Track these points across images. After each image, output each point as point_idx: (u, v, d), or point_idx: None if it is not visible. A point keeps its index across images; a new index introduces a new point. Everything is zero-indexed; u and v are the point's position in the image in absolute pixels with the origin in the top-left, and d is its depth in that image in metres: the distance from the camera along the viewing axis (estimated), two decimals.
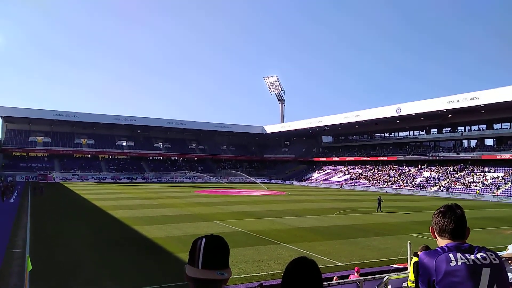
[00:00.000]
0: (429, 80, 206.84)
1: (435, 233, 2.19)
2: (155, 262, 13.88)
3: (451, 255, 1.98)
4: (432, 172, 62.86)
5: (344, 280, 10.38)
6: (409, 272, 9.12)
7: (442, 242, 2.14)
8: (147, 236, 18.36)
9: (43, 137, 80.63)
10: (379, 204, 31.26)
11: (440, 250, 2.05)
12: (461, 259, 1.96)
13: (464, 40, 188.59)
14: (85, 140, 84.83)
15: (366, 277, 10.49)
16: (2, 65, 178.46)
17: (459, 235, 2.11)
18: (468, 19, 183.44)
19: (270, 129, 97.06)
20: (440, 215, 2.17)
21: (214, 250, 1.53)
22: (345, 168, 79.95)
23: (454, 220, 2.11)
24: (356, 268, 10.97)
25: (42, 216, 24.99)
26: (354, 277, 10.48)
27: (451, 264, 1.94)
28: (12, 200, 34.74)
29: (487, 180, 53.51)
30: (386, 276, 10.05)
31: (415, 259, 8.52)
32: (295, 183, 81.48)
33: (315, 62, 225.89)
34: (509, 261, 4.17)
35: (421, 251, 8.62)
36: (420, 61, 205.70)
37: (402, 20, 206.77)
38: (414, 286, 7.84)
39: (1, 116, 75.04)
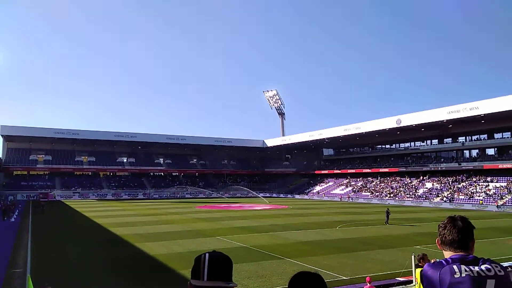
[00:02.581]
0: (429, 91, 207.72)
1: (439, 244, 2.21)
2: (158, 279, 13.74)
3: (455, 266, 1.97)
4: (434, 183, 62.62)
5: None
6: (415, 285, 9.02)
7: (446, 254, 2.14)
8: (149, 253, 18.21)
9: (44, 155, 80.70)
10: (387, 216, 30.94)
11: (444, 262, 2.04)
12: (465, 271, 1.95)
13: (463, 50, 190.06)
14: (86, 157, 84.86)
15: None
16: (2, 84, 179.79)
17: (462, 247, 2.10)
18: (464, 32, 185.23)
19: (270, 142, 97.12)
20: (442, 226, 2.19)
21: (218, 263, 1.55)
22: (347, 180, 79.73)
23: (454, 231, 2.12)
24: (367, 279, 10.87)
25: (43, 235, 24.83)
26: (367, 287, 10.40)
27: (455, 276, 1.93)
28: (13, 220, 34.59)
29: (489, 190, 53.26)
30: None
31: (419, 269, 8.43)
32: (297, 196, 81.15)
33: (315, 76, 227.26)
34: None
35: (418, 260, 8.57)
36: (420, 71, 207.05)
37: (400, 33, 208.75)
38: None
39: (2, 135, 75.23)
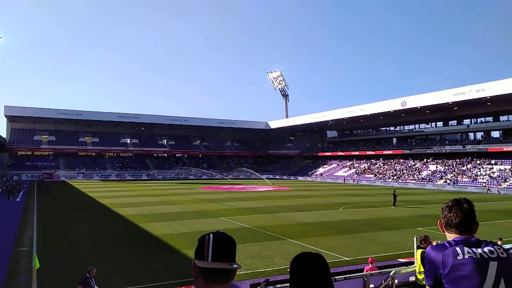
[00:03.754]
0: (434, 74, 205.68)
1: (443, 227, 2.20)
2: (162, 259, 13.91)
3: (458, 249, 1.98)
4: (438, 166, 62.54)
5: (351, 275, 10.33)
6: (415, 266, 9.06)
7: (449, 236, 2.15)
8: (153, 233, 18.41)
9: (47, 136, 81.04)
10: (395, 198, 31.01)
11: (447, 244, 2.05)
12: (468, 253, 1.96)
13: (468, 35, 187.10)
14: (90, 138, 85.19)
15: (372, 272, 10.45)
16: (6, 64, 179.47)
17: (466, 229, 2.11)
18: (470, 15, 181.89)
19: (274, 124, 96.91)
20: (447, 209, 2.18)
21: (223, 244, 1.54)
22: (351, 162, 79.74)
23: (460, 214, 2.12)
24: (370, 259, 10.92)
25: (48, 215, 25.13)
26: (368, 268, 10.45)
27: (458, 258, 1.95)
28: (18, 199, 34.97)
29: (493, 172, 53.17)
30: (392, 270, 9.99)
31: (420, 250, 8.47)
32: (300, 178, 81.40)
33: (319, 57, 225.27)
34: None
35: (420, 241, 8.58)
36: (425, 55, 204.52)
37: (405, 16, 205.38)
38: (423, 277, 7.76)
39: (6, 116, 75.48)
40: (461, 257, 1.95)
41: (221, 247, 1.53)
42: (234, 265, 1.52)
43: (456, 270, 1.93)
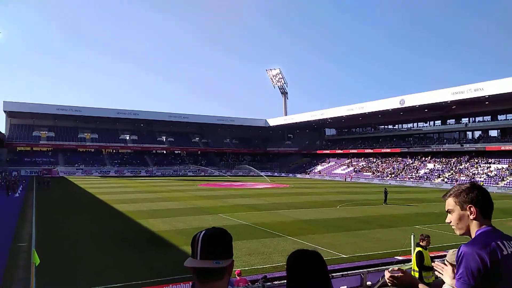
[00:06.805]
0: (432, 73, 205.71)
1: (476, 214, 1.88)
2: (160, 255, 13.97)
3: (499, 243, 1.78)
4: (436, 164, 62.69)
5: (348, 272, 10.42)
6: (412, 263, 9.14)
7: (478, 225, 1.88)
8: (152, 229, 18.47)
9: (47, 132, 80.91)
10: (386, 196, 31.14)
11: (484, 239, 1.81)
12: (510, 246, 1.78)
13: (465, 35, 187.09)
14: (89, 134, 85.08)
15: (369, 269, 10.54)
16: (5, 61, 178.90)
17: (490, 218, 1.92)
18: (469, 14, 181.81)
19: (273, 122, 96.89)
20: (481, 193, 1.88)
21: (211, 241, 1.52)
22: (349, 160, 79.84)
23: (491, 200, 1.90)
24: (237, 271, 9.85)
25: (47, 210, 25.15)
26: (237, 280, 9.20)
27: (504, 253, 1.76)
28: (17, 195, 34.99)
29: (491, 171, 53.33)
30: (390, 268, 10.05)
31: (418, 249, 8.56)
32: (298, 175, 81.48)
33: (318, 55, 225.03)
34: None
35: (421, 241, 8.65)
36: (423, 55, 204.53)
37: (404, 15, 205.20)
38: (418, 275, 7.90)
39: (5, 111, 75.23)
40: (506, 253, 1.75)
41: (210, 245, 1.51)
42: (219, 263, 1.48)
43: (501, 266, 1.73)
